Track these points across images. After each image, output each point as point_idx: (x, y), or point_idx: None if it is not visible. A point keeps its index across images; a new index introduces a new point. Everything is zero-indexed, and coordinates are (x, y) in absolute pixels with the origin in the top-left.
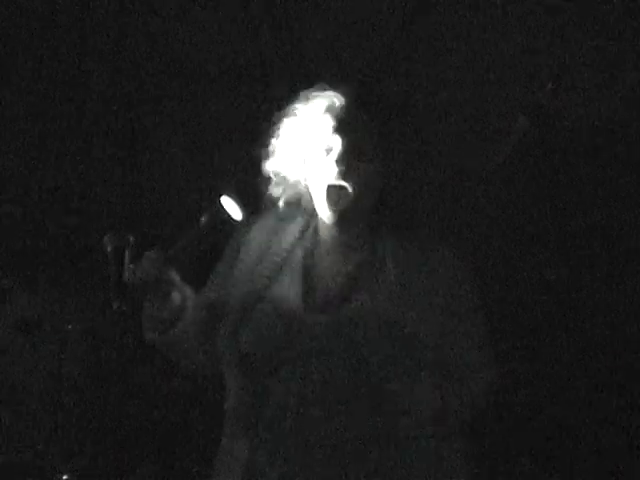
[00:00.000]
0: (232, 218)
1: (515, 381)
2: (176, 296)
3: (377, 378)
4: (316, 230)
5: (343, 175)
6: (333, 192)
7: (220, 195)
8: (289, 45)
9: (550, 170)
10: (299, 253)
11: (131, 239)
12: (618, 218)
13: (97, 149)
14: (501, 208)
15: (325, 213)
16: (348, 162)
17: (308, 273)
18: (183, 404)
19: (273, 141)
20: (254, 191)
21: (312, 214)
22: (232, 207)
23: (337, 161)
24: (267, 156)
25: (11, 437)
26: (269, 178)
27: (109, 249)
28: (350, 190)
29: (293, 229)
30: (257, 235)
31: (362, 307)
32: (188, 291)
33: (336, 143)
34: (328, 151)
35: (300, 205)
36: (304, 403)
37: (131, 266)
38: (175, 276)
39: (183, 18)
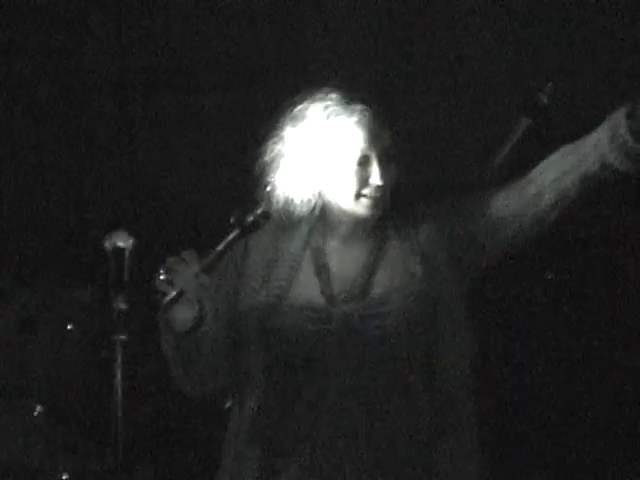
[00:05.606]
0: (262, 217)
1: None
2: (206, 301)
3: (404, 366)
4: (324, 229)
5: (382, 180)
6: (371, 199)
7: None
8: (291, 45)
9: None
10: (309, 253)
11: (131, 240)
12: (619, 218)
13: (97, 148)
14: None
15: (356, 218)
16: (384, 167)
17: (321, 269)
18: (183, 404)
19: (280, 147)
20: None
21: (319, 217)
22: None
23: (377, 168)
24: (274, 162)
25: (10, 438)
26: (274, 184)
27: (109, 249)
28: (387, 194)
29: (300, 232)
30: (261, 242)
31: (384, 294)
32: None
33: (371, 151)
34: (361, 159)
35: (306, 209)
36: (336, 397)
37: (161, 272)
38: (208, 280)
39: (183, 17)
